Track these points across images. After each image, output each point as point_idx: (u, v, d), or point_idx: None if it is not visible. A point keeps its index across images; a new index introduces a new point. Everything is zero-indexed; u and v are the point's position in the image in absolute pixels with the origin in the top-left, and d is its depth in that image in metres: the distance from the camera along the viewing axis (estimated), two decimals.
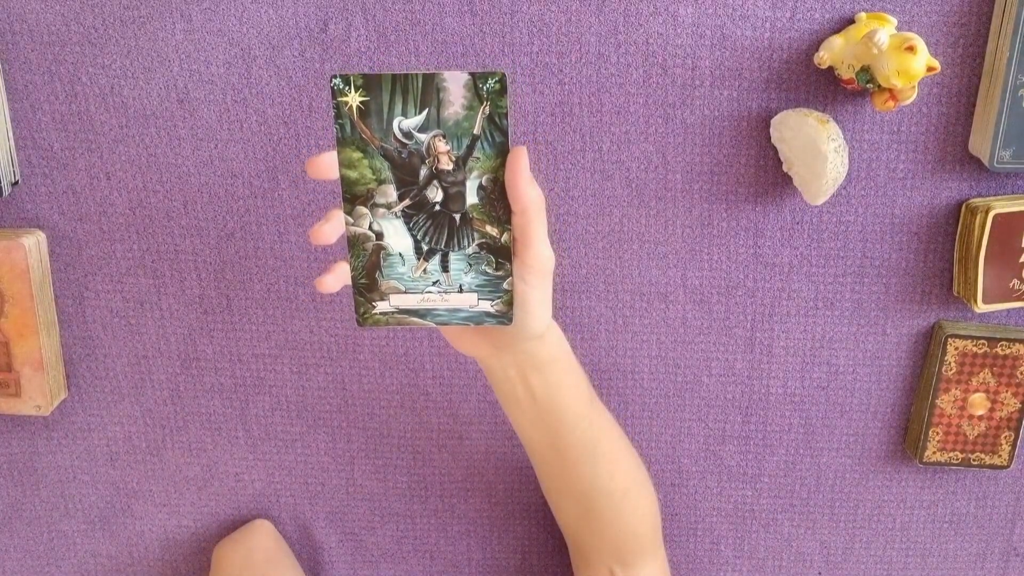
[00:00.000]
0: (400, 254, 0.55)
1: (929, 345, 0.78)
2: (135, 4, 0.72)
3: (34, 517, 0.86)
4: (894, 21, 0.68)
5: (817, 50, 0.69)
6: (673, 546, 0.85)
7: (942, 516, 0.83)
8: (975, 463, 0.79)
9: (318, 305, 0.79)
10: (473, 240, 0.54)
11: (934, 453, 0.79)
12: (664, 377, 0.80)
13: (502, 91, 0.51)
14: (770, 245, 0.76)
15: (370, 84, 0.51)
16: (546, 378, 0.63)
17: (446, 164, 0.52)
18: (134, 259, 0.78)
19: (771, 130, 0.72)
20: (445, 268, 0.55)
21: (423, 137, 0.51)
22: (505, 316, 0.57)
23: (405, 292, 0.56)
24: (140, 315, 0.80)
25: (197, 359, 0.81)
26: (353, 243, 0.54)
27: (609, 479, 0.70)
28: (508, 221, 0.54)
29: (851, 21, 0.69)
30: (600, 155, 0.74)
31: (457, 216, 0.54)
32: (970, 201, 0.74)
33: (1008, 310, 0.76)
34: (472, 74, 0.51)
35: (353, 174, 0.52)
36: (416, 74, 0.51)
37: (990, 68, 0.69)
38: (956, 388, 0.77)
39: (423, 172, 0.52)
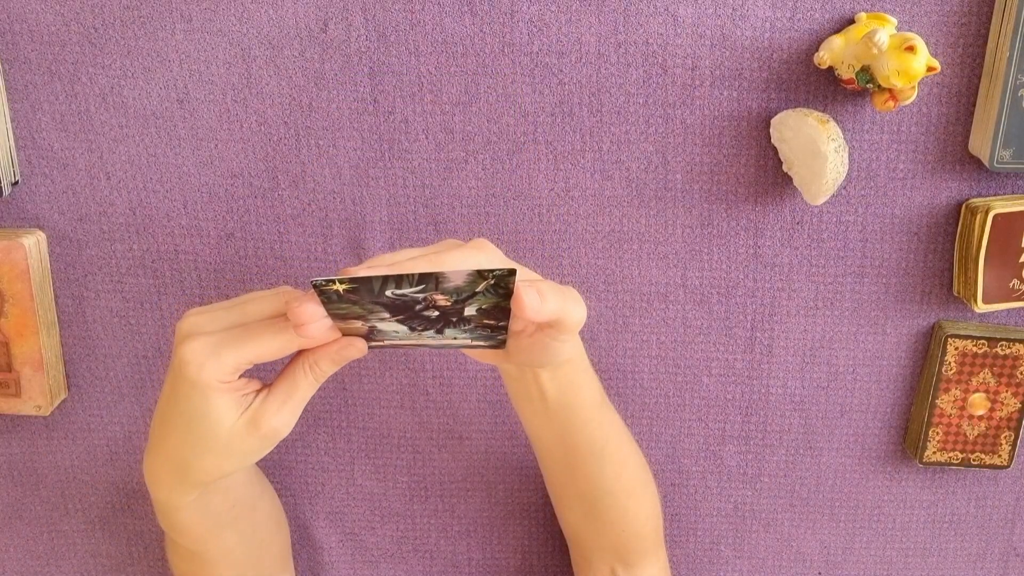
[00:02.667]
0: (394, 331, 0.54)
1: (929, 345, 0.78)
2: (135, 4, 0.72)
3: (34, 517, 0.86)
4: (894, 21, 0.68)
5: (817, 50, 0.69)
6: (673, 546, 0.85)
7: (942, 516, 0.83)
8: (975, 463, 0.79)
9: None
10: (470, 324, 0.54)
11: (934, 453, 0.79)
12: (664, 377, 0.80)
13: (510, 274, 0.50)
14: (770, 245, 0.76)
15: (357, 281, 0.49)
16: (559, 377, 0.63)
17: (443, 303, 0.52)
18: (134, 259, 0.78)
19: (771, 130, 0.72)
20: (440, 334, 0.55)
21: (420, 296, 0.51)
22: (500, 345, 0.57)
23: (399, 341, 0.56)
24: (140, 315, 0.80)
25: None
26: (345, 332, 0.54)
27: (615, 480, 0.70)
28: (508, 319, 0.54)
29: (851, 21, 0.69)
30: (600, 155, 0.74)
31: (454, 319, 0.54)
32: (970, 201, 0.74)
33: (1008, 310, 0.76)
34: (478, 271, 0.49)
35: (342, 312, 0.52)
36: (412, 274, 0.49)
37: (990, 68, 0.69)
38: (956, 388, 0.77)
39: (419, 307, 0.52)
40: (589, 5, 0.71)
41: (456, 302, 0.51)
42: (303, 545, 0.86)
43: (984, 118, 0.70)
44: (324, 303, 0.51)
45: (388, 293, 0.50)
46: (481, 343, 0.57)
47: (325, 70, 0.73)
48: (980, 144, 0.71)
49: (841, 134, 0.70)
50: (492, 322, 0.54)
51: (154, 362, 0.81)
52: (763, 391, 0.80)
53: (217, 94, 0.74)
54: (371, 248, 0.77)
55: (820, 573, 0.86)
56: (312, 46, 0.72)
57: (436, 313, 0.52)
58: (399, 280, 0.49)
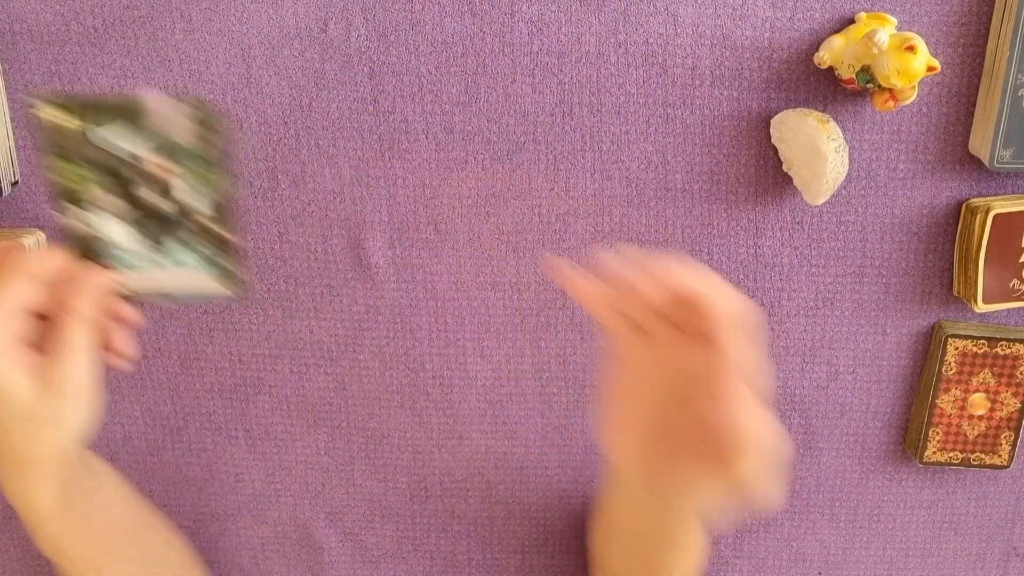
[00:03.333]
0: (115, 240, 0.56)
1: (929, 345, 0.78)
2: (135, 4, 0.72)
3: None
4: (894, 21, 0.68)
5: (817, 50, 0.69)
6: None
7: (942, 516, 0.83)
8: (975, 463, 0.79)
9: (318, 305, 0.79)
10: (186, 225, 0.56)
11: (934, 453, 0.79)
12: None
13: (214, 117, 0.52)
14: (770, 245, 0.76)
15: (70, 105, 0.52)
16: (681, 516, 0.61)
17: (154, 171, 0.53)
18: None
19: (771, 130, 0.72)
20: (161, 248, 0.57)
21: (126, 147, 0.52)
22: (234, 284, 0.59)
23: (128, 269, 0.58)
24: (140, 315, 0.80)
25: (197, 359, 0.81)
26: (66, 234, 0.56)
27: (683, 563, 0.68)
28: (230, 225, 0.55)
29: (851, 21, 0.69)
30: (600, 155, 0.74)
31: (170, 211, 0.55)
32: (970, 201, 0.74)
33: (1008, 310, 0.76)
34: (175, 97, 0.52)
35: (59, 178, 0.53)
36: (113, 99, 0.53)
37: (990, 68, 0.69)
38: (956, 388, 0.77)
39: (130, 175, 0.53)
40: (589, 5, 0.71)
41: (163, 169, 0.53)
42: (303, 545, 0.86)
43: (984, 118, 0.70)
44: (43, 149, 0.52)
45: (95, 137, 0.51)
46: (214, 273, 0.57)
47: (325, 70, 0.73)
48: (980, 144, 0.71)
49: (841, 134, 0.70)
50: (219, 230, 0.54)
51: (154, 362, 0.81)
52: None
53: (217, 94, 0.74)
54: (371, 248, 0.77)
55: (820, 573, 0.86)
56: (312, 46, 0.72)
57: (148, 192, 0.53)
58: (100, 116, 0.51)
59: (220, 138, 0.52)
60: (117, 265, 0.57)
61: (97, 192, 0.53)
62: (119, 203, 0.54)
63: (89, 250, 0.56)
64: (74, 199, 0.54)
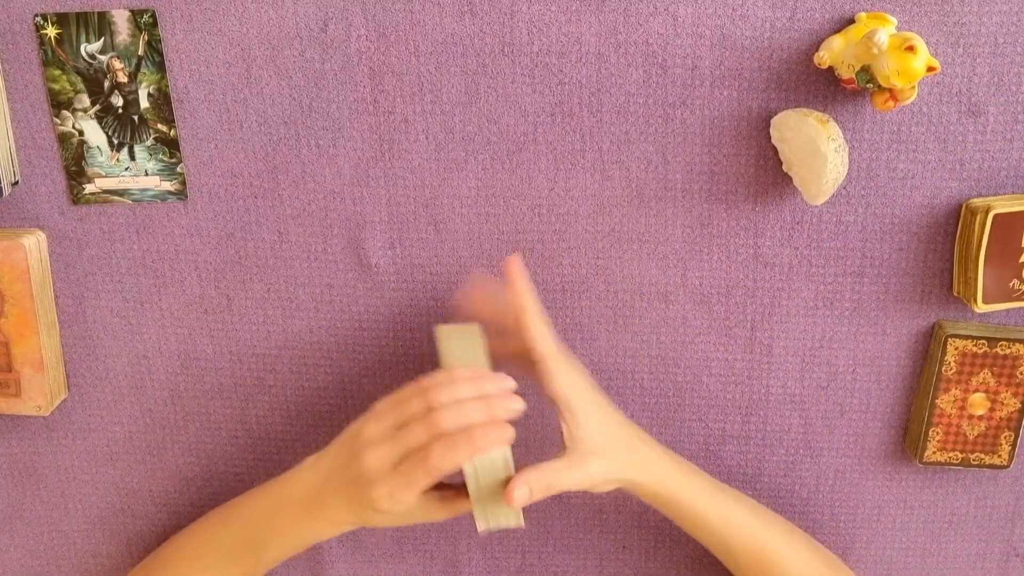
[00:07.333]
0: (98, 147, 0.72)
1: (929, 345, 0.78)
2: (135, 4, 0.72)
3: (34, 517, 0.86)
4: (894, 21, 0.68)
5: (817, 50, 0.69)
6: (673, 546, 0.85)
7: (942, 516, 0.83)
8: (975, 463, 0.79)
9: (318, 305, 0.79)
10: (150, 135, 0.72)
11: (934, 453, 0.79)
12: (664, 377, 0.80)
13: (155, 24, 0.69)
14: (770, 245, 0.76)
15: (62, 20, 0.69)
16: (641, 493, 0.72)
17: (122, 78, 0.68)
18: (134, 259, 0.78)
19: (771, 130, 0.72)
20: (132, 157, 0.73)
21: (103, 58, 0.67)
22: (182, 193, 0.74)
23: (106, 176, 0.74)
24: (140, 315, 0.80)
25: (197, 359, 0.81)
26: (62, 139, 0.72)
27: (756, 565, 0.74)
28: (174, 120, 0.72)
29: (851, 21, 0.69)
30: (600, 155, 0.74)
31: (135, 117, 0.71)
32: (970, 201, 0.74)
33: (1008, 310, 0.76)
34: (131, 11, 0.69)
35: (56, 86, 0.70)
36: (93, 12, 0.69)
37: None
38: (956, 388, 0.77)
39: (107, 84, 0.70)
40: (589, 5, 0.71)
41: (129, 76, 0.70)
42: None
43: None
44: (44, 62, 0.72)
45: (83, 50, 0.70)
46: (168, 183, 0.74)
47: (325, 70, 0.73)
48: None
49: (841, 134, 0.70)
50: (163, 127, 0.73)
51: (154, 362, 0.81)
52: (763, 391, 0.80)
53: (217, 94, 0.74)
54: (371, 248, 0.77)
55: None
56: (312, 46, 0.72)
57: (121, 100, 0.71)
58: (88, 31, 0.69)
59: (159, 35, 0.66)
60: (99, 171, 0.73)
61: (84, 98, 0.68)
62: (98, 108, 0.68)
63: (79, 156, 0.70)
64: (67, 106, 0.67)
